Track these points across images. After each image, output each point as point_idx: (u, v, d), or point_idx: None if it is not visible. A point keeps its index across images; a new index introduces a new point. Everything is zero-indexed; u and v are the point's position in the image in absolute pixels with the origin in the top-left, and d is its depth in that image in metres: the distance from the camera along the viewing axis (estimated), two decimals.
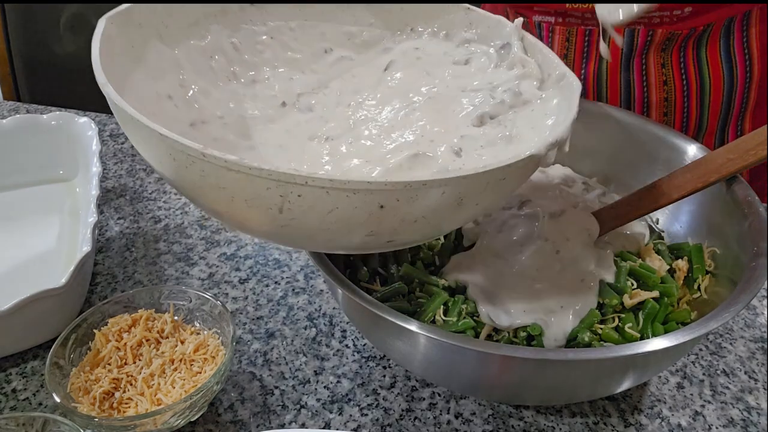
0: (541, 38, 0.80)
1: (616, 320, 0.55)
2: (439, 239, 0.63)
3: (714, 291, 0.56)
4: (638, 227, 0.62)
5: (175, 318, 0.58)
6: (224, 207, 0.44)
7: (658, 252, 0.60)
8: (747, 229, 0.54)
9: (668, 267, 0.59)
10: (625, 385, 0.50)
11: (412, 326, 0.46)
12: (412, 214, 0.42)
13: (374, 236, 0.43)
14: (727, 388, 0.58)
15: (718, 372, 0.59)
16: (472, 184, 0.42)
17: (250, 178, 0.39)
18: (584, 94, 0.82)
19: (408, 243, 0.50)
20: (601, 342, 0.53)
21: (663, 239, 0.64)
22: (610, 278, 0.56)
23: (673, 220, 0.64)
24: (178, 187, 0.46)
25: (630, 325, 0.54)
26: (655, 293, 0.56)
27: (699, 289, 0.57)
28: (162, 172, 0.45)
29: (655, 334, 0.53)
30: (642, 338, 0.53)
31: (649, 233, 0.62)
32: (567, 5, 0.76)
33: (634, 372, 0.49)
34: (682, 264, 0.59)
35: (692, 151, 0.61)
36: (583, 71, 0.80)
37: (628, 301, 0.55)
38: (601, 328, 0.53)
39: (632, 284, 0.57)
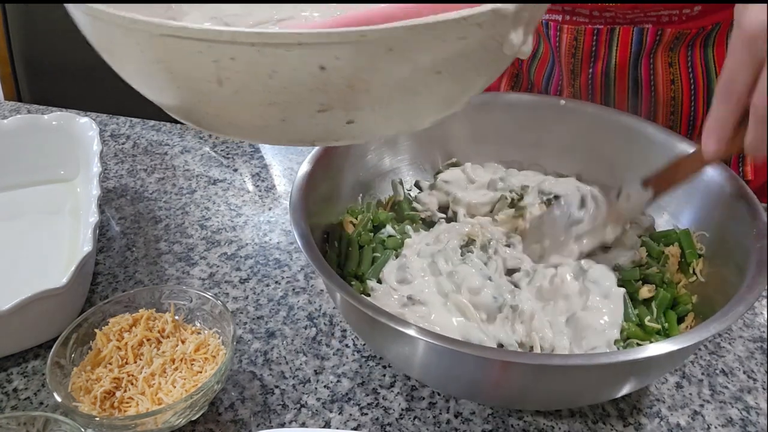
0: (548, 37, 0.81)
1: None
2: None
3: (710, 273, 0.57)
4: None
5: (176, 318, 0.59)
6: (172, 90, 0.42)
7: (643, 244, 0.61)
8: (738, 210, 0.55)
9: (645, 255, 0.60)
10: (627, 389, 0.50)
11: (410, 331, 0.45)
12: (361, 79, 0.38)
13: (328, 112, 0.40)
14: (726, 387, 0.58)
15: (717, 372, 0.59)
16: (422, 38, 0.37)
17: (179, 42, 0.37)
18: (592, 93, 0.82)
19: (374, 130, 0.44)
20: (627, 340, 0.53)
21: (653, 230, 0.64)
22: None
23: (659, 212, 0.64)
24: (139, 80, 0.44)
25: (649, 317, 0.54)
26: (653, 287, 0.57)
27: (694, 272, 0.58)
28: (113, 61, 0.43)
29: (670, 323, 0.54)
30: (663, 328, 0.54)
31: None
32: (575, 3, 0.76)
33: (639, 376, 0.49)
34: (674, 250, 0.60)
35: (664, 139, 0.63)
36: (591, 70, 0.80)
37: (645, 294, 0.56)
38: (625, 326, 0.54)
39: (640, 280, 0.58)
